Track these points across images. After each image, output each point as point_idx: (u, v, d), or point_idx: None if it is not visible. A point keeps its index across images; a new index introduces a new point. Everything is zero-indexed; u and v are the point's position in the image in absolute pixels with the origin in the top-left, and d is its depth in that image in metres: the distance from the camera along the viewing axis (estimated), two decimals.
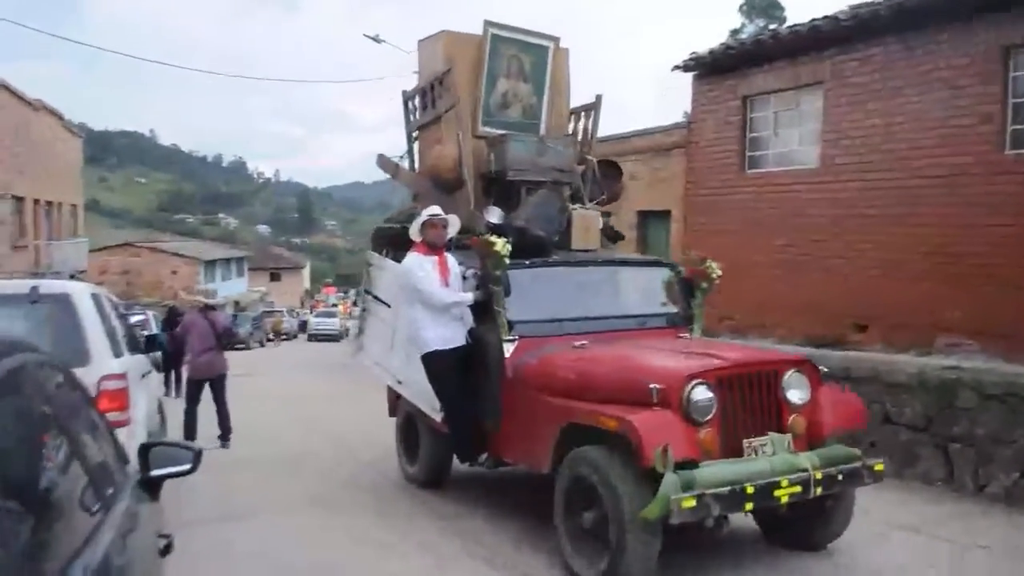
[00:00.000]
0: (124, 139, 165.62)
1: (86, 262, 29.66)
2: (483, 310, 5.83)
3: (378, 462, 8.16)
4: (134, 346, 6.64)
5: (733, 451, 4.59)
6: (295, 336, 46.51)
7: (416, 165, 7.72)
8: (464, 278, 6.05)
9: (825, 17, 9.49)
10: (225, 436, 9.19)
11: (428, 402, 6.30)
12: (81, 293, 5.51)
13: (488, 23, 7.02)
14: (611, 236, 7.19)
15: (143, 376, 6.49)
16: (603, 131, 8.15)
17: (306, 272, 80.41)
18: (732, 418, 4.66)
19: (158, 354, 8.03)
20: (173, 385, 14.44)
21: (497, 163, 6.80)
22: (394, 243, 7.61)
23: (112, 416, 4.65)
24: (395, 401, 7.62)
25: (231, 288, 51.36)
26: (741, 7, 38.89)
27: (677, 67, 11.79)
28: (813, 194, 9.96)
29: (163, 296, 39.78)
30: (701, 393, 4.49)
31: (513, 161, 6.73)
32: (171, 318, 17.36)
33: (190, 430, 8.95)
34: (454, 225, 6.09)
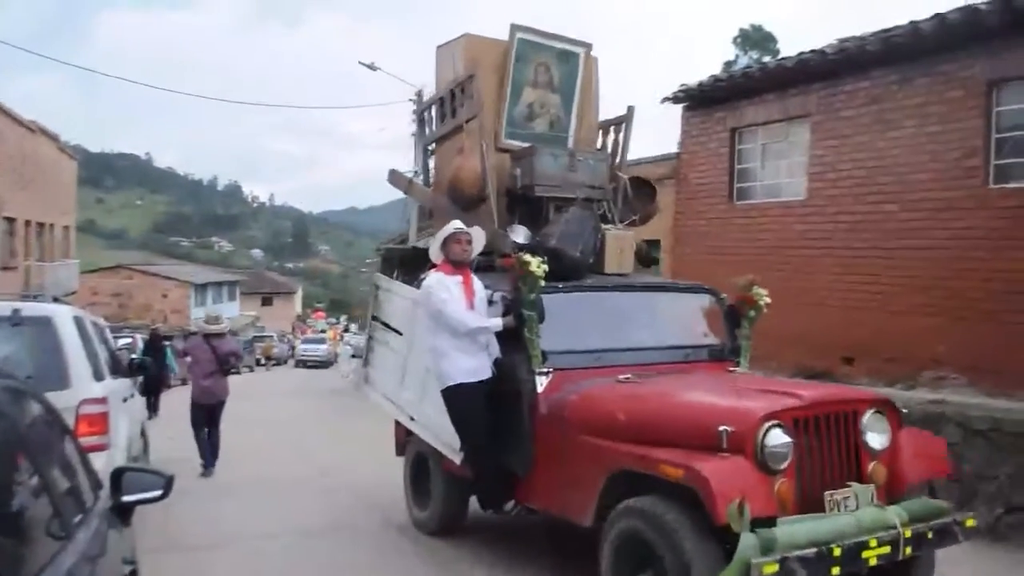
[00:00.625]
0: (122, 161, 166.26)
1: (77, 283, 29.18)
2: (511, 338, 5.24)
3: (370, 493, 7.92)
4: (117, 369, 6.56)
5: (812, 505, 3.97)
6: (285, 361, 45.66)
7: (431, 180, 7.14)
8: (490, 302, 5.46)
9: (812, 51, 9.47)
10: (211, 462, 9.20)
11: (447, 442, 5.67)
12: (63, 316, 5.44)
13: (515, 27, 6.47)
14: (644, 260, 6.62)
15: (125, 400, 6.37)
16: None
17: (298, 297, 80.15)
18: (809, 466, 4.05)
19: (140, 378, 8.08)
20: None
21: (524, 178, 6.22)
22: (405, 264, 7.05)
23: (91, 440, 4.82)
24: (404, 439, 6.99)
25: (223, 312, 50.74)
26: (735, 39, 38.61)
27: (667, 98, 11.69)
28: (801, 225, 9.90)
29: (153, 319, 39.64)
30: (777, 437, 3.88)
31: (542, 176, 6.16)
32: (154, 341, 18.30)
33: (207, 451, 9.14)
34: (479, 240, 5.50)
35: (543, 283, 5.03)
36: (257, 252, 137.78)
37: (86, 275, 37.32)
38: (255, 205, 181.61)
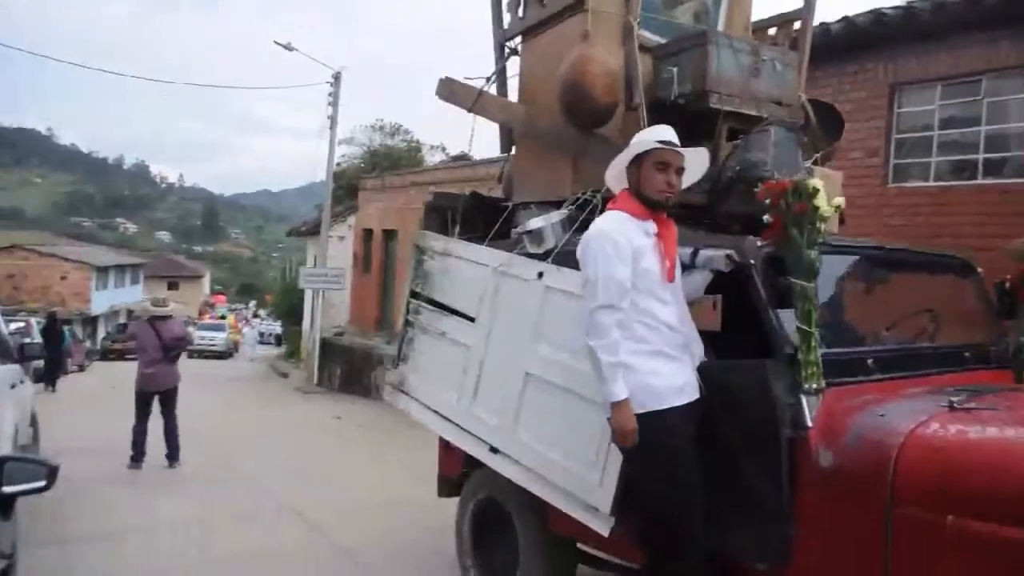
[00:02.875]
0: (20, 136, 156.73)
1: None
2: (741, 328, 3.05)
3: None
4: (4, 353, 6.27)
5: None
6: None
7: (520, 89, 4.83)
8: (687, 266, 3.22)
9: None
10: (173, 454, 8.54)
11: (576, 495, 3.46)
12: None
13: None
14: (840, 217, 4.47)
15: (13, 386, 6.01)
16: None
17: (206, 281, 76.31)
18: None
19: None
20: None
21: (687, 81, 3.99)
22: (468, 219, 4.76)
23: None
24: (460, 471, 4.74)
25: (125, 296, 49.32)
26: None
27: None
28: None
29: (50, 302, 36.89)
30: None
31: (718, 79, 3.94)
32: (51, 326, 18.20)
33: (137, 447, 8.41)
34: (699, 166, 3.26)
35: (822, 231, 2.85)
36: (164, 235, 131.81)
37: None
38: (163, 186, 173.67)
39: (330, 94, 20.55)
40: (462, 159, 22.76)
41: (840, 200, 2.92)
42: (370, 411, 13.63)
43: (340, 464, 9.04)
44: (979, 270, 3.97)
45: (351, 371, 17.37)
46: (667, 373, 2.96)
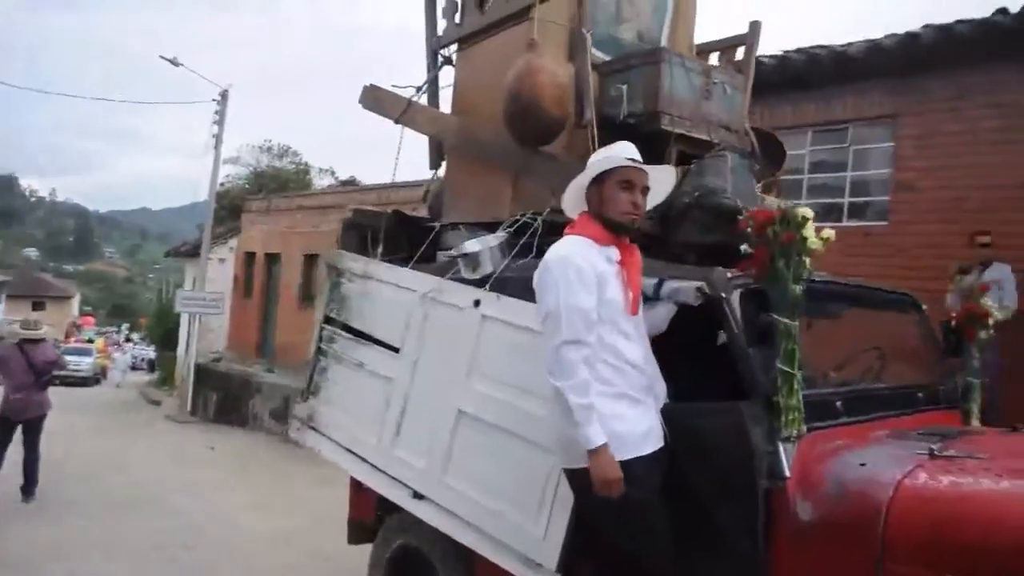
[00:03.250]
0: None
1: None
2: (709, 366, 2.79)
3: None
4: None
5: None
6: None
7: (453, 100, 4.49)
8: (647, 299, 2.93)
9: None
10: (30, 488, 7.86)
11: (512, 547, 3.11)
12: None
13: None
14: None
15: None
16: None
17: (75, 302, 71.89)
18: None
19: None
20: None
21: (639, 100, 3.74)
22: (391, 239, 4.39)
23: None
24: (373, 516, 4.30)
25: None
26: None
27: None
28: None
29: None
30: None
31: (671, 100, 3.72)
32: None
33: None
34: (664, 186, 2.98)
35: (808, 266, 2.62)
36: (31, 251, 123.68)
37: None
38: (32, 199, 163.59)
39: (216, 112, 19.73)
40: (350, 184, 22.35)
41: (830, 232, 2.71)
42: (247, 442, 12.94)
43: (213, 498, 8.34)
44: (923, 307, 3.89)
45: (228, 399, 16.53)
46: (632, 418, 2.65)
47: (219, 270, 20.71)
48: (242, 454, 11.71)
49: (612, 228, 2.74)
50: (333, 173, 29.48)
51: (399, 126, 4.48)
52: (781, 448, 2.58)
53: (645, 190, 2.78)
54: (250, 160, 29.44)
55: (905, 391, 3.46)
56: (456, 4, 4.38)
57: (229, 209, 23.31)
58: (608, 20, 4.21)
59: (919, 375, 3.68)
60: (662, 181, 2.92)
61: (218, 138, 19.65)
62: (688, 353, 2.95)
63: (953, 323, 3.82)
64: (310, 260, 16.49)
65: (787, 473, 2.57)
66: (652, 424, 2.69)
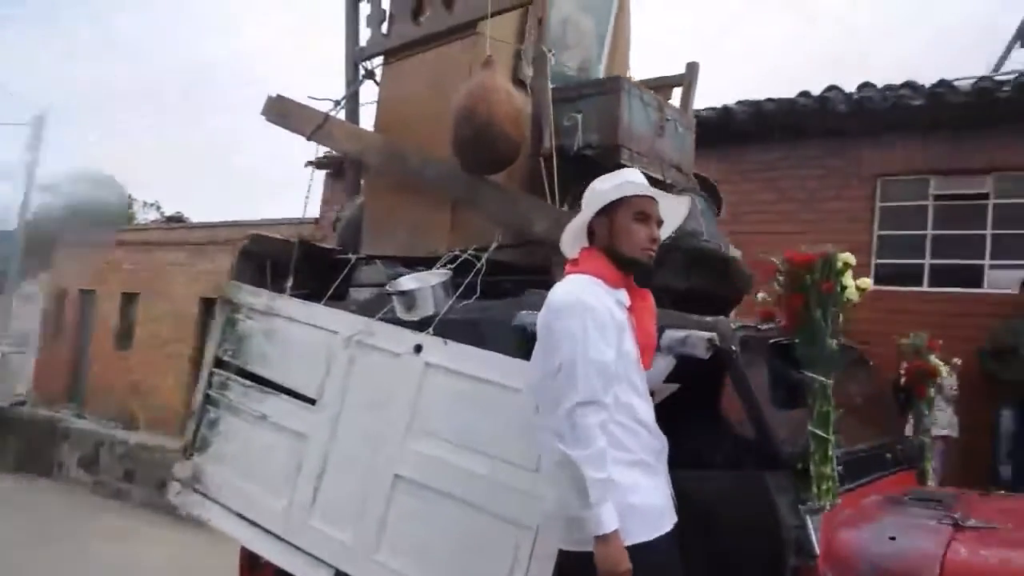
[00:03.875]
0: None
1: None
2: (724, 430, 2.46)
3: None
4: None
5: None
6: None
7: (376, 117, 3.98)
8: (659, 349, 2.55)
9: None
10: None
11: None
12: None
13: None
14: None
15: None
16: None
17: None
18: None
19: None
20: None
21: (595, 131, 3.42)
22: (302, 270, 3.84)
23: None
24: None
25: None
26: None
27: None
28: None
29: None
30: None
31: (629, 133, 3.42)
32: None
33: None
34: (676, 217, 2.61)
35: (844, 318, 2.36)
36: None
37: None
38: None
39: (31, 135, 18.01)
40: (176, 220, 20.97)
41: (868, 282, 2.45)
42: (51, 494, 11.47)
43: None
44: (871, 363, 3.78)
45: (30, 447, 14.83)
46: (647, 489, 2.24)
47: (25, 307, 19.02)
48: (45, 507, 10.31)
49: (625, 266, 2.36)
50: (159, 207, 27.56)
51: (308, 142, 3.92)
52: (809, 521, 2.28)
53: (659, 223, 2.43)
54: (68, 189, 27.19)
55: (879, 452, 3.30)
56: (383, 12, 3.92)
57: (41, 242, 21.31)
58: (555, 43, 3.90)
59: (880, 434, 3.53)
60: (674, 214, 2.57)
61: (30, 165, 17.96)
62: (687, 410, 2.60)
63: (903, 380, 3.73)
64: (129, 298, 15.23)
65: (816, 550, 2.27)
66: (666, 496, 2.31)
